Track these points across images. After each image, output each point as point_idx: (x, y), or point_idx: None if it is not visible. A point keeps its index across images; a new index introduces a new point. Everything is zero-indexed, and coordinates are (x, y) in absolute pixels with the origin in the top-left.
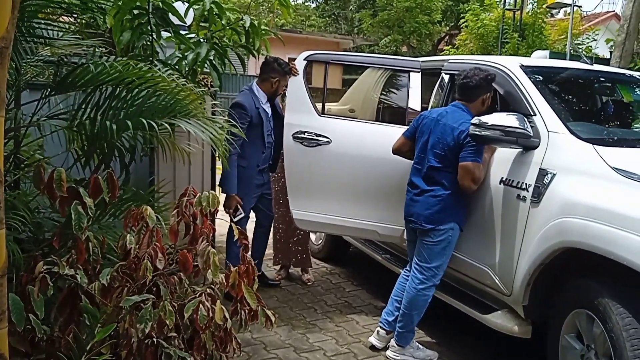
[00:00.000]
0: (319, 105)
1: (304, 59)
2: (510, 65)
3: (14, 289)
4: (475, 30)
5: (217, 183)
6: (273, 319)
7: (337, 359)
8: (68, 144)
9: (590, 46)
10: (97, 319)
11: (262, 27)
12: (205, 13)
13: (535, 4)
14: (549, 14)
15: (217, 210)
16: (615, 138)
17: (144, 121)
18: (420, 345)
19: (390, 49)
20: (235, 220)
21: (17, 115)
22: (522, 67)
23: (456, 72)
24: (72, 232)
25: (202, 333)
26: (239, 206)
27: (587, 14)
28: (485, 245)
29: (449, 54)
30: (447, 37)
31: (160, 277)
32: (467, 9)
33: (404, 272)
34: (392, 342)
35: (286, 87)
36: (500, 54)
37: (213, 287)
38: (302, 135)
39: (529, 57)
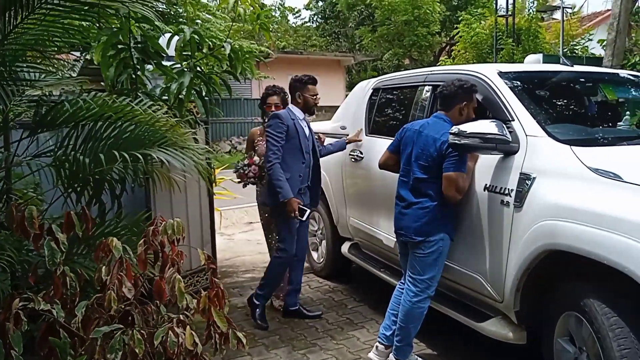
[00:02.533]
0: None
1: (372, 88)
2: (488, 72)
3: None
4: (469, 40)
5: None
6: (244, 340)
7: None
8: (55, 180)
9: (587, 46)
10: (67, 353)
11: (247, 51)
12: (187, 43)
13: (534, 7)
14: (541, 17)
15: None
16: (594, 138)
17: (116, 154)
18: (419, 358)
19: (392, 62)
20: (304, 219)
21: (8, 155)
22: (500, 73)
23: (439, 83)
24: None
25: (173, 358)
26: (301, 206)
27: (587, 14)
28: (475, 253)
29: (445, 65)
30: (447, 46)
31: (133, 306)
32: (460, 19)
33: (399, 285)
34: (391, 356)
35: (316, 95)
36: (496, 61)
37: (186, 312)
38: (352, 154)
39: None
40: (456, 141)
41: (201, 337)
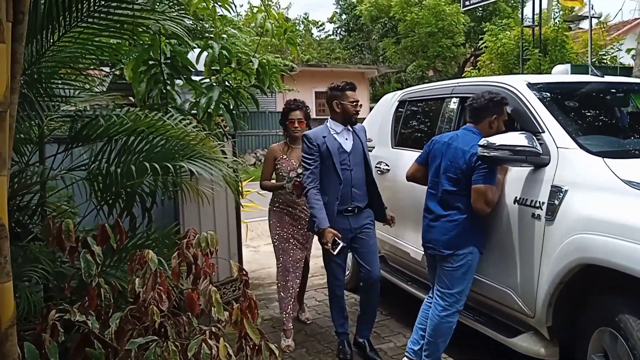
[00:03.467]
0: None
1: (398, 100)
2: (517, 84)
3: (30, 339)
4: (495, 50)
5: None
6: (277, 352)
7: None
8: (88, 193)
9: (615, 56)
10: None
11: (272, 64)
12: (215, 58)
13: (560, 17)
14: (568, 27)
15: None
16: (626, 150)
17: (147, 165)
18: None
19: (416, 74)
20: (335, 253)
21: (43, 169)
22: (529, 85)
23: (466, 95)
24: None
25: None
26: (336, 239)
27: (614, 23)
28: (505, 267)
29: (470, 76)
30: (472, 57)
31: (167, 318)
32: (485, 29)
33: (427, 298)
34: None
35: (356, 102)
36: (522, 72)
37: (218, 325)
38: (379, 166)
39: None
40: (485, 153)
41: (233, 349)
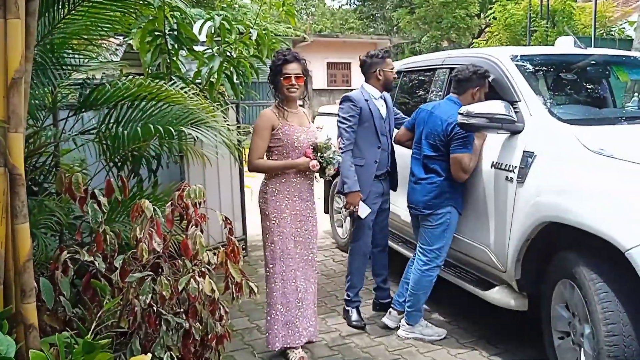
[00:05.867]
0: None
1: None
2: (500, 56)
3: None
4: (503, 21)
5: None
6: (256, 289)
7: (350, 339)
8: (98, 155)
9: (623, 29)
10: (106, 293)
11: (274, 34)
12: (217, 29)
13: None
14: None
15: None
16: (596, 118)
17: (152, 127)
18: (428, 323)
19: (430, 45)
20: (363, 218)
21: (56, 132)
22: (512, 57)
23: (456, 66)
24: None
25: (195, 303)
26: (362, 202)
27: None
28: (481, 226)
29: (478, 47)
30: (486, 28)
31: (162, 259)
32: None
33: (413, 256)
34: (403, 321)
35: (393, 69)
36: (529, 43)
37: (208, 267)
38: None
39: None
40: (464, 121)
41: (220, 289)
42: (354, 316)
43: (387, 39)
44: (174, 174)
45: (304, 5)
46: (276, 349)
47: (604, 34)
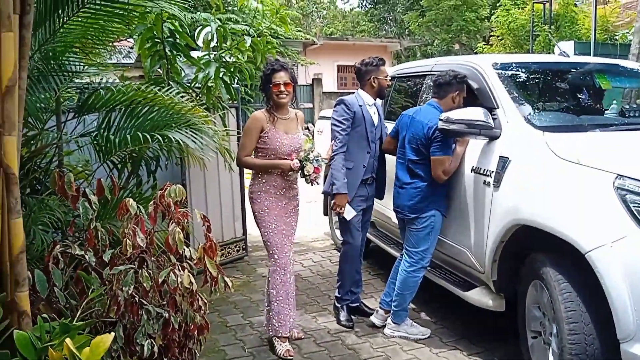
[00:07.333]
0: None
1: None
2: (483, 63)
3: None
4: (506, 25)
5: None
6: (230, 284)
7: (339, 336)
8: (96, 157)
9: (626, 34)
10: (92, 284)
11: (270, 40)
12: (214, 36)
13: None
14: (575, 4)
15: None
16: (569, 125)
17: (140, 135)
18: (414, 323)
19: (442, 48)
20: (349, 219)
21: (59, 134)
22: (494, 65)
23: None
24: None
25: (175, 294)
26: (348, 205)
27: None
28: (463, 229)
29: (481, 52)
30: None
31: (147, 254)
32: (498, 4)
33: (399, 257)
34: (389, 320)
35: (387, 76)
36: (532, 48)
37: (189, 262)
38: None
39: None
40: (445, 127)
41: (198, 282)
42: (343, 314)
43: (397, 42)
44: (175, 176)
45: (315, 8)
46: (281, 335)
47: (608, 39)
